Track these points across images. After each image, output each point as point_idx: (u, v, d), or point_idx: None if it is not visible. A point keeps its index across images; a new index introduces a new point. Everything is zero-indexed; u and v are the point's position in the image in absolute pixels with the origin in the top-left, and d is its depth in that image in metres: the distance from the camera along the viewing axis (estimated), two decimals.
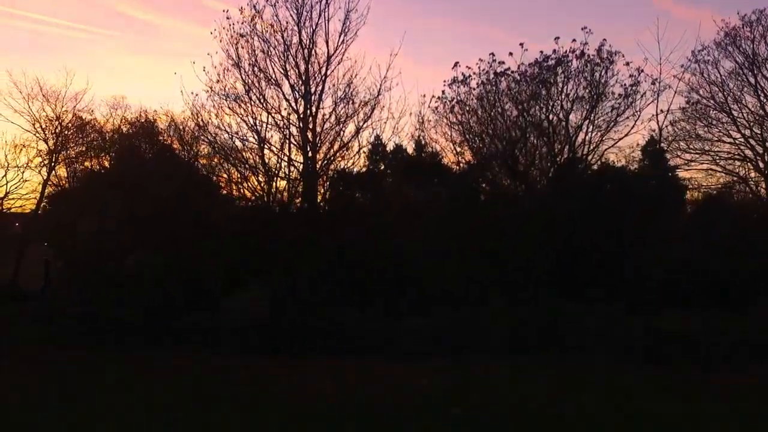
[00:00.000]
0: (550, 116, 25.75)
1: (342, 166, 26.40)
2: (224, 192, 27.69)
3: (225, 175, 26.10)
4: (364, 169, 27.97)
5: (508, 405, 14.04)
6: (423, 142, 28.15)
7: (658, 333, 19.30)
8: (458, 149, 27.45)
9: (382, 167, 29.13)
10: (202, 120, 24.81)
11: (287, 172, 25.62)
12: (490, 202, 27.24)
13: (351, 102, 25.27)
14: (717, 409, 13.69)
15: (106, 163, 30.01)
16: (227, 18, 24.70)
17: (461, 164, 27.64)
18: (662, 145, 27.06)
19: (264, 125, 25.04)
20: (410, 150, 28.37)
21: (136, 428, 11.43)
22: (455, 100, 26.29)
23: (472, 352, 18.89)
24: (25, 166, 28.22)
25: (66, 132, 28.69)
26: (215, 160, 25.58)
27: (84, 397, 14.17)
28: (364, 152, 27.33)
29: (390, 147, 28.24)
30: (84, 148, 28.99)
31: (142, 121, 28.50)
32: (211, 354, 19.33)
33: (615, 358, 18.59)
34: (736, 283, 23.94)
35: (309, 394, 15.12)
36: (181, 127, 25.92)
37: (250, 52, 24.81)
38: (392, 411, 13.29)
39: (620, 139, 25.76)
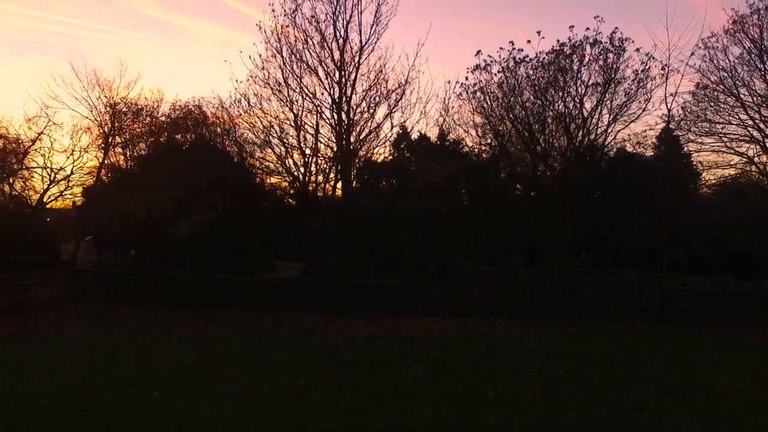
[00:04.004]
0: (567, 100, 26.69)
1: (374, 145, 27.71)
2: (265, 180, 29.12)
3: (266, 158, 27.50)
4: (390, 158, 29.18)
5: (521, 346, 15.26)
6: (446, 130, 29.29)
7: (669, 292, 20.29)
8: (480, 132, 28.56)
9: (407, 154, 30.33)
10: (248, 102, 26.25)
11: (320, 151, 27.05)
12: (510, 179, 28.29)
13: (383, 87, 26.64)
14: (716, 353, 14.90)
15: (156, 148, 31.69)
16: (272, 10, 26.35)
17: (483, 146, 28.74)
18: (672, 126, 27.83)
19: (301, 110, 26.50)
20: (433, 138, 29.47)
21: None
22: (478, 86, 27.37)
23: (490, 311, 20.16)
24: (85, 149, 30.25)
25: (122, 117, 30.64)
26: (258, 140, 26.94)
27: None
28: (390, 140, 28.60)
29: (414, 135, 29.48)
30: (137, 132, 31.00)
31: (191, 106, 30.11)
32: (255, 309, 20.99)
33: (627, 316, 19.74)
34: (751, 255, 24.74)
35: (358, 336, 16.64)
36: (227, 114, 27.37)
37: (291, 41, 26.28)
38: (422, 347, 14.64)
39: (632, 121, 26.63)
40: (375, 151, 28.71)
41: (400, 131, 29.28)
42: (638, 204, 26.34)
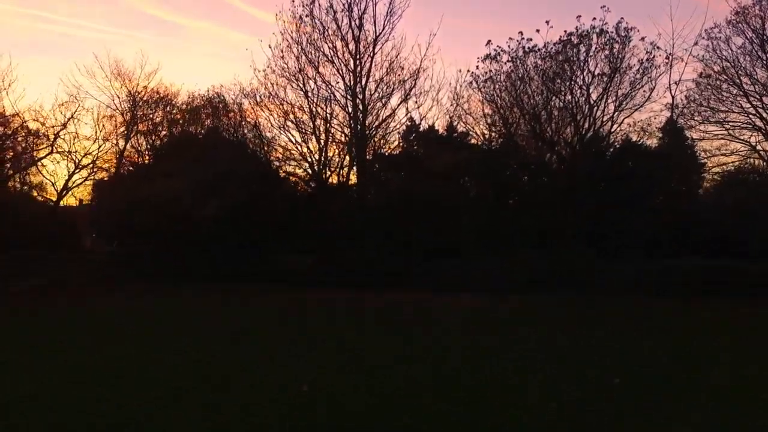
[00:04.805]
0: (574, 90, 26.11)
1: (389, 131, 27.36)
2: (281, 168, 28.83)
3: (282, 145, 27.31)
4: (400, 150, 28.76)
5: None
6: (456, 119, 28.80)
7: (668, 270, 20.09)
8: (489, 120, 28.07)
9: (415, 147, 29.79)
10: (267, 91, 26.10)
11: (335, 138, 26.80)
12: (517, 167, 27.83)
13: (397, 75, 26.32)
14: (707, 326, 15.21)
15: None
16: (292, 1, 26.12)
17: (492, 134, 28.25)
18: (675, 113, 27.22)
19: (317, 97, 26.24)
20: (442, 129, 28.96)
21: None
22: (488, 76, 26.86)
23: (501, 289, 19.97)
24: (106, 137, 30.30)
25: (143, 106, 30.55)
26: (275, 127, 26.78)
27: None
28: (402, 128, 28.15)
29: (424, 126, 28.97)
30: (158, 120, 30.84)
31: (212, 93, 29.77)
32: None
33: (631, 294, 19.49)
34: (755, 246, 24.10)
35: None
36: (246, 101, 27.19)
37: (308, 31, 25.96)
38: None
39: (636, 109, 26.06)
40: (387, 139, 28.44)
41: (410, 123, 28.86)
42: (642, 193, 25.73)
